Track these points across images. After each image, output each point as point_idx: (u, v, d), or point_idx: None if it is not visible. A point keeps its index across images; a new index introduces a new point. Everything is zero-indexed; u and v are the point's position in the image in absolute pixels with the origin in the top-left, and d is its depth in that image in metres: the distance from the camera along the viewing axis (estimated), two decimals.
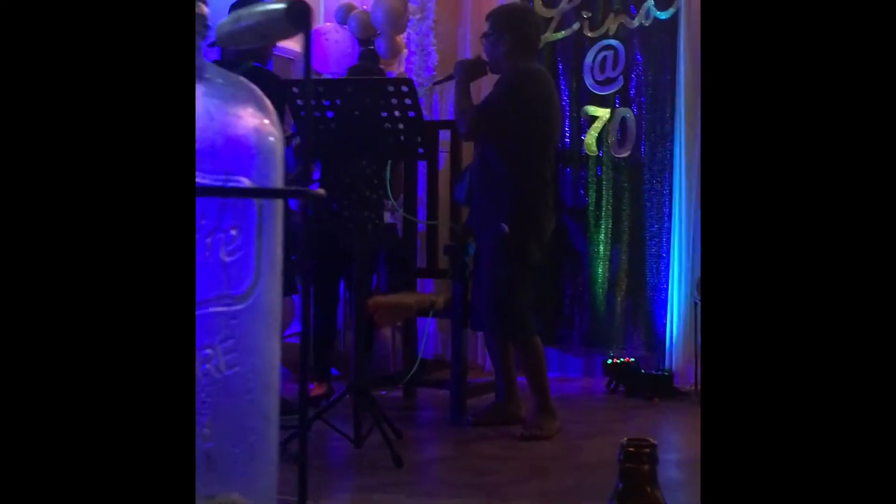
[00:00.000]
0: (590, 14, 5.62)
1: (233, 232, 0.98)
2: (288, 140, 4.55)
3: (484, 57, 4.38)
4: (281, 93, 4.12)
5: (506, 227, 4.08)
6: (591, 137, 5.59)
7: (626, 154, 5.53)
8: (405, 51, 5.92)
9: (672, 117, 5.41)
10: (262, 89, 1.09)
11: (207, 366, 1.01)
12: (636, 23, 5.51)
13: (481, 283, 4.26)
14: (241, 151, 1.00)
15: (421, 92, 5.14)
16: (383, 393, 4.87)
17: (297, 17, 0.95)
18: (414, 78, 5.45)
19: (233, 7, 3.89)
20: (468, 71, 4.31)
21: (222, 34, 1.03)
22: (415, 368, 4.65)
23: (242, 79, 1.05)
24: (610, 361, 5.23)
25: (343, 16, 6.13)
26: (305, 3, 0.97)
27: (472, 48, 5.71)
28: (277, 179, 1.03)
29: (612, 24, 5.57)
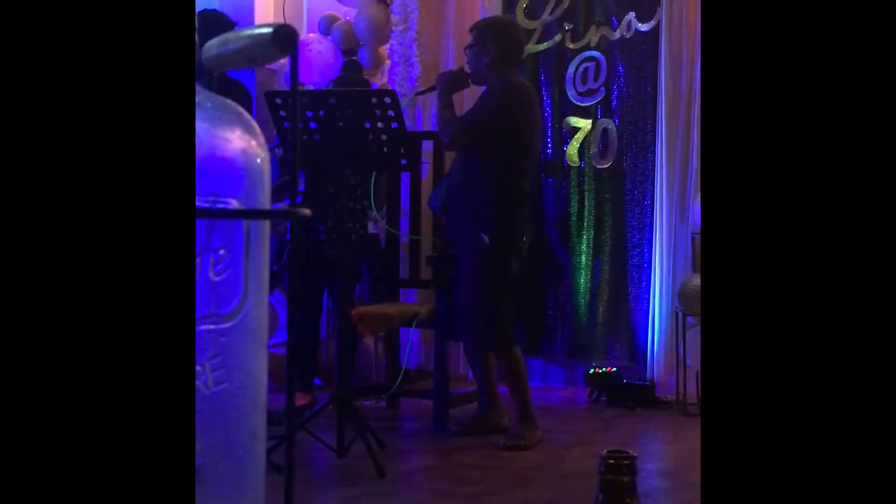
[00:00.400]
0: (572, 26, 5.65)
1: (221, 252, 1.00)
2: (271, 151, 4.57)
3: (467, 68, 4.40)
4: (246, 102, 4.16)
5: (486, 239, 4.10)
6: (573, 148, 5.62)
7: (607, 165, 5.56)
8: (388, 62, 5.94)
9: (653, 128, 5.44)
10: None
11: (196, 382, 1.02)
12: (618, 35, 5.54)
13: (461, 294, 4.28)
14: (229, 173, 1.02)
15: (403, 102, 5.15)
16: (366, 403, 4.88)
17: (284, 41, 0.97)
18: (397, 89, 5.47)
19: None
20: (450, 82, 4.33)
21: (209, 57, 1.04)
22: (399, 380, 4.66)
23: (230, 101, 1.07)
24: (592, 371, 5.25)
25: (326, 27, 6.15)
26: (292, 27, 0.99)
27: (454, 59, 5.73)
28: (265, 200, 1.05)
29: (593, 36, 5.60)
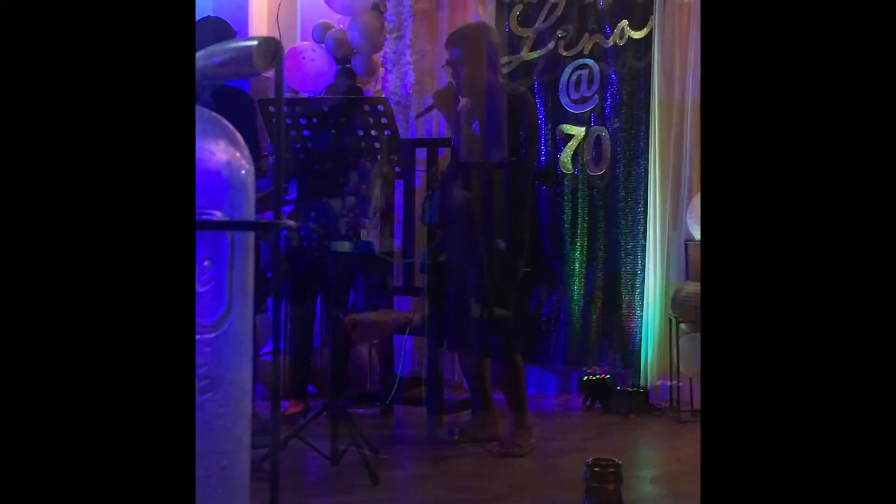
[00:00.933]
0: (565, 33, 5.67)
1: (206, 263, 1.01)
2: (265, 159, 4.57)
3: (453, 81, 4.34)
4: (249, 110, 4.15)
5: (502, 244, 4.10)
6: (566, 156, 5.64)
7: (601, 172, 5.57)
8: (382, 69, 5.95)
9: (646, 135, 5.45)
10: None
11: None
12: (611, 42, 5.56)
13: (464, 302, 4.26)
14: (213, 185, 1.02)
15: (397, 110, 5.15)
16: (360, 411, 4.88)
17: (268, 54, 0.98)
18: (390, 96, 5.47)
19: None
20: (449, 100, 4.26)
21: (196, 69, 1.05)
22: (394, 389, 4.66)
23: (214, 114, 1.08)
24: (586, 378, 5.25)
25: (320, 35, 6.16)
26: (276, 39, 1.00)
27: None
28: (249, 211, 1.06)
29: (587, 44, 5.62)
